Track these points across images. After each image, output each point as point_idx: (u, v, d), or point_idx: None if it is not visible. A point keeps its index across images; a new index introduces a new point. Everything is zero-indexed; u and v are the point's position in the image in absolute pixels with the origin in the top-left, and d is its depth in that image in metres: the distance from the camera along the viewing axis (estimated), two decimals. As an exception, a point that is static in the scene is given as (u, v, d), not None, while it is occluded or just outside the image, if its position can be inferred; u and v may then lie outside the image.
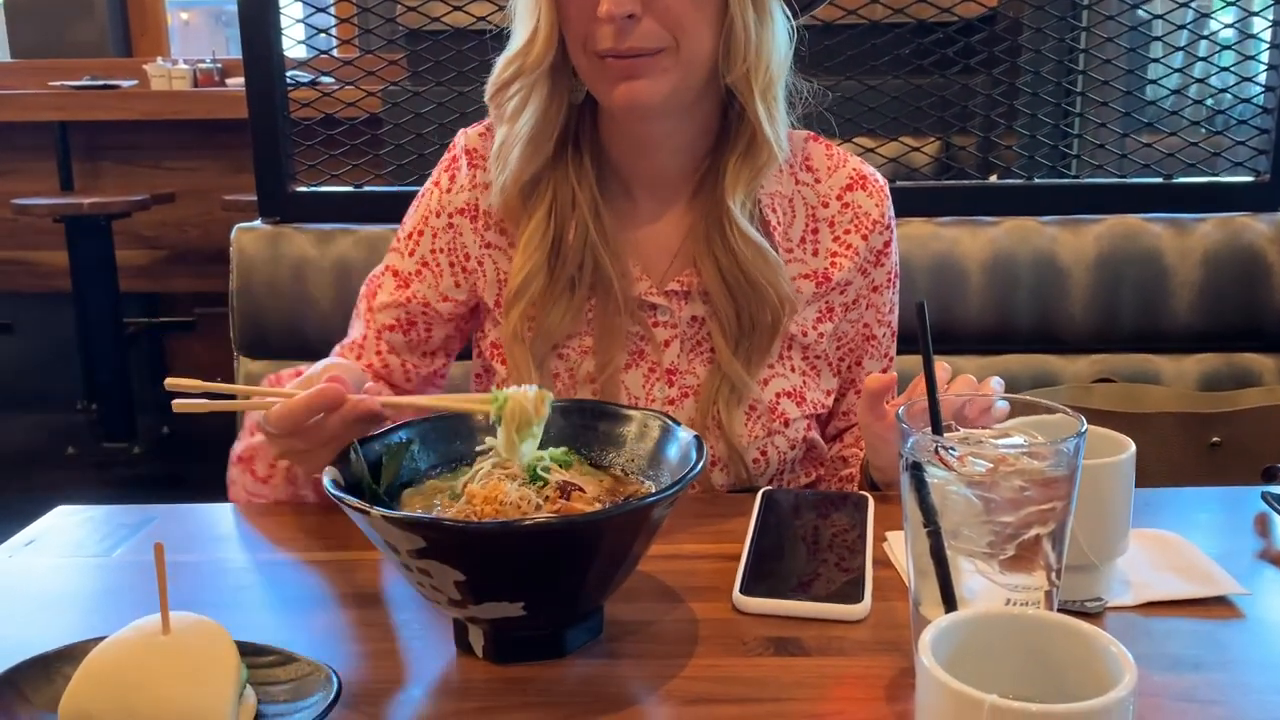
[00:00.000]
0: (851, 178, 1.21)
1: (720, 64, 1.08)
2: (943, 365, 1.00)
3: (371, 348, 1.20)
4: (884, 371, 1.25)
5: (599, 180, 1.16)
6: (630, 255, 1.16)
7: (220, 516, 1.10)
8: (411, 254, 1.21)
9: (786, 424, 1.17)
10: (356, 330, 1.22)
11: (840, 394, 1.26)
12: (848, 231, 1.20)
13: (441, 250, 1.20)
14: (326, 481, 0.77)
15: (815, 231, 1.20)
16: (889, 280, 1.24)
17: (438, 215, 1.21)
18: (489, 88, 1.14)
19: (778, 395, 1.17)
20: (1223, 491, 1.17)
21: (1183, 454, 1.45)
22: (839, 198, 1.20)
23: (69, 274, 3.98)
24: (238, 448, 1.12)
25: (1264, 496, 1.05)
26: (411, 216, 1.23)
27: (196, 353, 4.37)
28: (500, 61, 1.12)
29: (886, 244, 1.22)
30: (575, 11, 1.05)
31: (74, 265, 3.96)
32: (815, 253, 1.20)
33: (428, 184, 1.24)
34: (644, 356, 1.17)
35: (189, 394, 0.86)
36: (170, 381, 0.86)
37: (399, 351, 1.21)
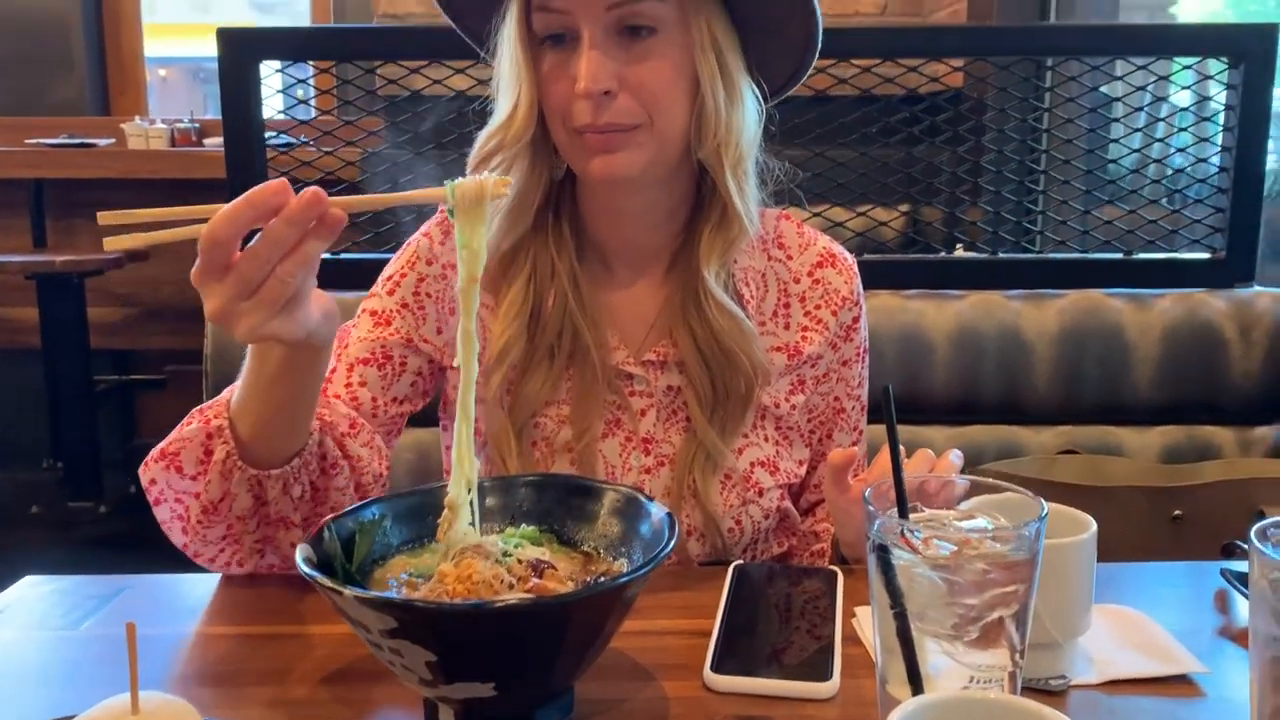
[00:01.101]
0: (822, 255, 1.24)
1: (693, 140, 1.11)
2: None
3: (341, 380, 1.18)
4: (854, 444, 1.28)
5: (577, 251, 1.18)
6: (608, 325, 1.19)
7: (190, 587, 1.10)
8: (392, 293, 1.21)
9: (761, 493, 1.19)
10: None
11: (812, 466, 1.28)
12: (818, 307, 1.23)
13: (429, 295, 1.20)
14: (299, 560, 0.77)
15: (787, 306, 1.23)
16: (858, 355, 1.26)
17: (428, 263, 1.21)
18: (471, 159, 1.16)
19: (752, 464, 1.19)
20: (1184, 566, 1.19)
21: (1145, 527, 1.47)
22: (810, 274, 1.23)
23: (39, 331, 3.96)
24: (159, 446, 1.02)
25: (1223, 573, 1.07)
26: (394, 264, 1.23)
27: (167, 410, 4.31)
28: (482, 135, 1.15)
29: (855, 319, 1.25)
30: (555, 87, 1.08)
31: (44, 322, 3.94)
32: (787, 326, 1.22)
33: (414, 237, 1.24)
34: (621, 425, 1.19)
35: (122, 229, 0.82)
36: (103, 216, 0.82)
37: (370, 387, 1.18)
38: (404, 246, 1.25)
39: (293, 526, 1.03)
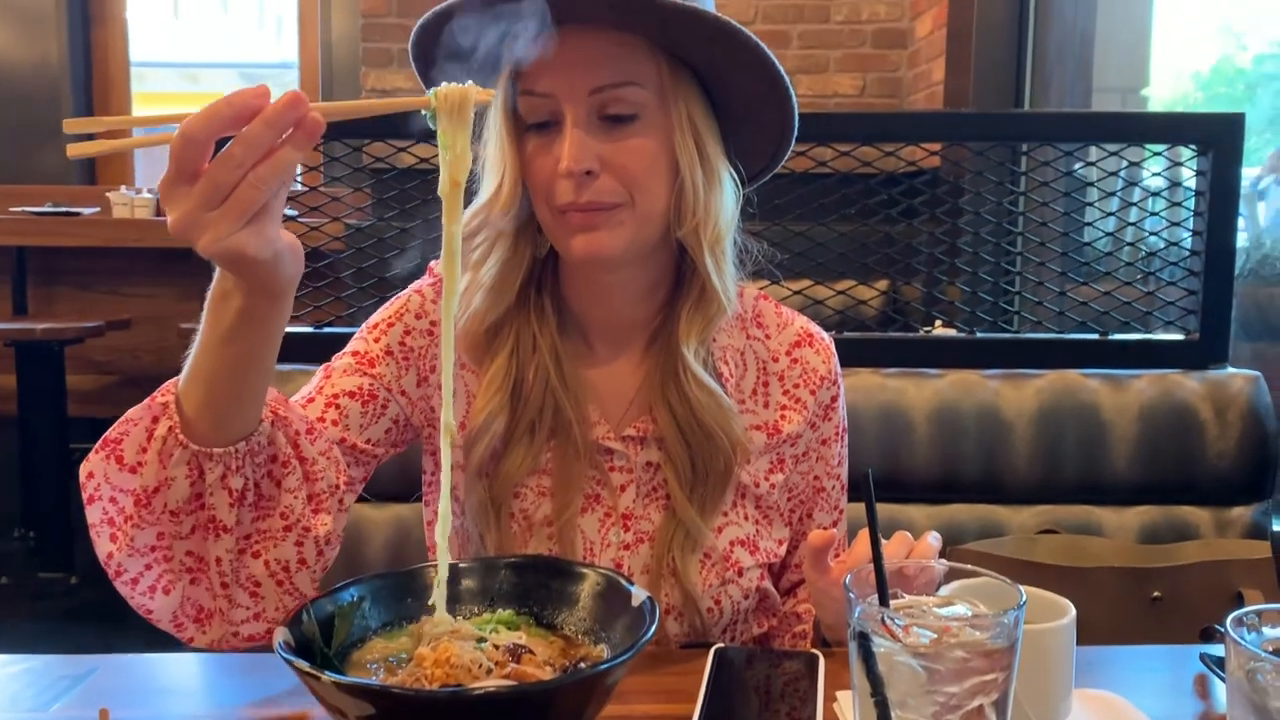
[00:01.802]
0: (799, 335, 1.26)
1: (672, 220, 1.13)
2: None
3: (316, 411, 1.14)
4: (834, 524, 1.28)
5: (559, 326, 1.19)
6: (588, 400, 1.19)
7: (163, 668, 1.08)
8: (378, 340, 1.20)
9: (740, 572, 1.18)
10: (304, 393, 1.18)
11: (793, 545, 1.28)
12: (797, 386, 1.24)
13: (413, 350, 1.20)
14: (277, 644, 0.77)
15: (766, 385, 1.24)
16: (837, 434, 1.27)
17: (417, 316, 1.21)
18: None
19: (731, 543, 1.19)
20: (1164, 650, 1.19)
21: (1125, 609, 1.47)
22: (788, 353, 1.25)
23: (15, 398, 3.93)
24: (104, 435, 0.96)
25: (1202, 658, 1.07)
26: (381, 313, 1.23)
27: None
28: (467, 212, 1.15)
29: (834, 399, 1.26)
30: (538, 167, 1.10)
31: (21, 390, 3.92)
32: (766, 405, 1.23)
33: (404, 292, 1.24)
34: (600, 501, 1.19)
35: (86, 136, 0.78)
36: (69, 123, 0.78)
37: (348, 421, 1.15)
38: (393, 300, 1.24)
39: (223, 533, 0.95)
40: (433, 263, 1.27)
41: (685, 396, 1.15)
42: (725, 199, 1.14)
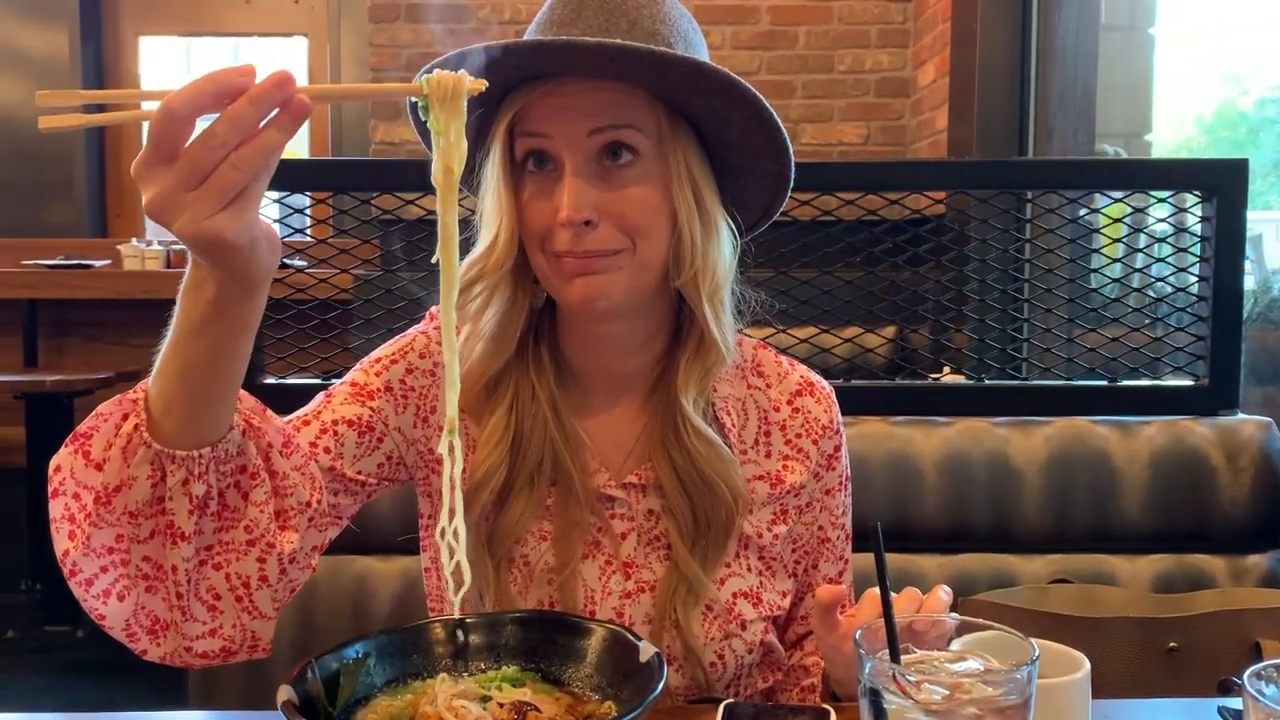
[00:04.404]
0: (800, 384, 1.25)
1: (671, 270, 1.13)
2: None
3: (309, 435, 1.12)
4: (839, 574, 1.27)
5: (556, 376, 1.18)
6: (588, 449, 1.18)
7: (166, 726, 1.07)
8: (379, 375, 1.19)
9: (744, 626, 1.17)
10: (301, 412, 1.15)
11: (798, 598, 1.26)
12: (799, 436, 1.23)
13: (413, 389, 1.19)
14: (281, 702, 0.76)
15: (768, 434, 1.23)
16: (840, 484, 1.26)
17: (421, 356, 1.20)
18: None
19: (734, 595, 1.18)
20: (1181, 704, 1.17)
21: (1140, 660, 1.45)
22: (789, 403, 1.24)
23: (24, 450, 3.93)
24: (76, 428, 0.93)
25: (1221, 711, 1.05)
26: (385, 349, 1.21)
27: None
28: (464, 264, 1.14)
29: (837, 448, 1.25)
30: (535, 213, 1.09)
31: (30, 442, 3.92)
32: (768, 455, 1.22)
33: (410, 330, 1.24)
34: (601, 548, 1.17)
35: (60, 109, 0.75)
36: (41, 95, 0.76)
37: (342, 451, 1.13)
38: (397, 337, 1.23)
39: (181, 541, 0.91)
40: (433, 308, 1.26)
41: (685, 447, 1.15)
42: (723, 249, 1.14)
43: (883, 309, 1.99)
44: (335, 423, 1.14)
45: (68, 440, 0.92)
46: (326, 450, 1.13)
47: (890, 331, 2.08)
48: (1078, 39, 3.33)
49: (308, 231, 2.07)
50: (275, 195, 1.83)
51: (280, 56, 5.18)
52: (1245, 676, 0.73)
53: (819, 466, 1.24)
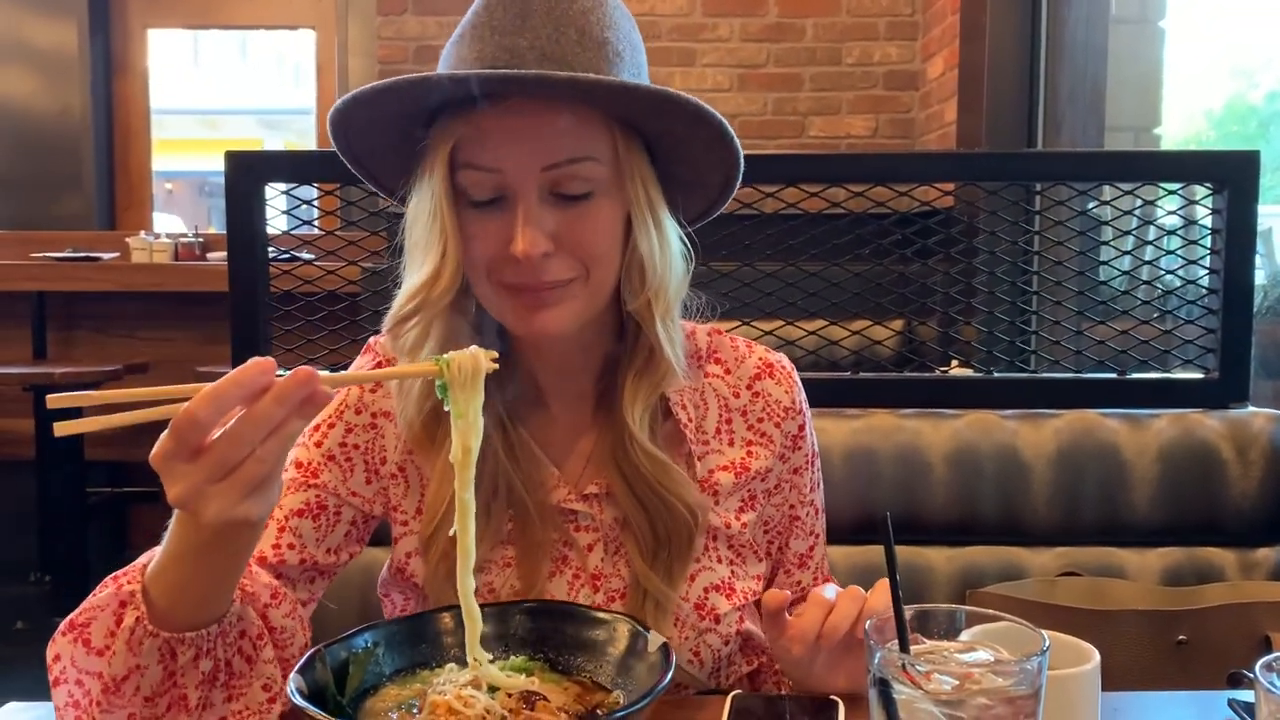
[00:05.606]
0: (759, 367, 1.23)
1: (624, 293, 1.10)
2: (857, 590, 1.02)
3: (270, 539, 1.10)
4: (810, 549, 1.26)
5: (508, 388, 1.13)
6: (544, 464, 1.16)
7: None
8: (319, 445, 1.16)
9: (717, 620, 1.15)
10: None
11: (771, 576, 1.25)
12: (761, 420, 1.21)
13: (356, 447, 1.16)
14: (291, 690, 0.76)
15: (729, 422, 1.21)
16: (807, 462, 1.25)
17: (357, 412, 1.16)
18: (388, 320, 1.09)
19: (706, 590, 1.16)
20: (1191, 696, 1.17)
21: (1149, 653, 1.45)
22: (749, 387, 1.22)
23: (33, 442, 3.95)
24: (70, 617, 0.94)
25: (1231, 704, 1.05)
26: (320, 416, 1.15)
27: (161, 522, 4.29)
28: (401, 294, 1.08)
29: (801, 428, 1.23)
30: (481, 245, 1.04)
31: (39, 434, 3.94)
32: (731, 443, 1.20)
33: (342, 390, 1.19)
34: (567, 562, 1.15)
35: (73, 411, 0.77)
36: (52, 398, 0.78)
37: (305, 542, 1.12)
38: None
39: (185, 711, 0.92)
40: (372, 339, 1.23)
41: (634, 464, 1.12)
42: (675, 266, 1.11)
43: (891, 301, 1.98)
44: (288, 518, 1.12)
45: (63, 629, 0.92)
46: (290, 547, 1.11)
47: (899, 324, 2.08)
48: (1087, 32, 3.32)
49: (316, 223, 2.07)
50: (284, 187, 1.83)
51: (288, 49, 5.19)
52: (1257, 668, 0.73)
53: (784, 448, 1.22)
